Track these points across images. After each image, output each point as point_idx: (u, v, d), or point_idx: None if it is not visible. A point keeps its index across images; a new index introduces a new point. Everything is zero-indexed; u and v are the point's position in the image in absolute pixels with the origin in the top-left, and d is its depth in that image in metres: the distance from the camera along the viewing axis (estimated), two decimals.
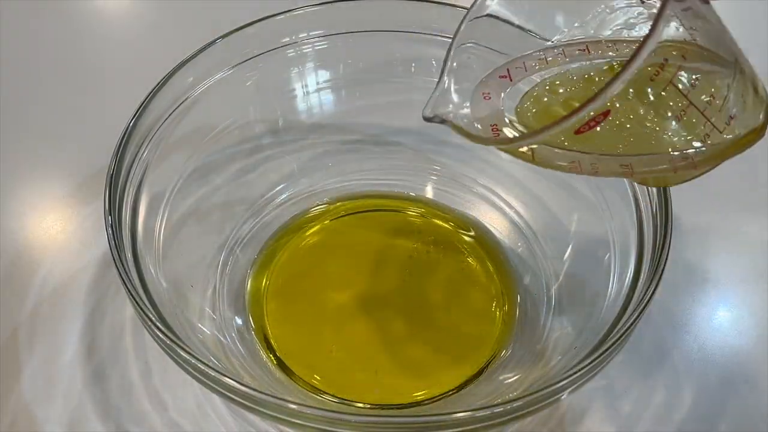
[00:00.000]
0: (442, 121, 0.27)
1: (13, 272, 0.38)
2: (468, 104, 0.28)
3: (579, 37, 0.28)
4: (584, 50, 0.28)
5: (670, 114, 0.24)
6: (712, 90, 0.23)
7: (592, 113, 0.21)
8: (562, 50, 0.28)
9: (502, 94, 0.28)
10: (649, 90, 0.24)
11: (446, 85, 0.29)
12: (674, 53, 0.24)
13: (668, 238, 0.28)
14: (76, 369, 0.35)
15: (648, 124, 0.24)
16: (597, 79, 0.27)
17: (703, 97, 0.23)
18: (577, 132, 0.22)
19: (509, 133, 0.27)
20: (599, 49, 0.27)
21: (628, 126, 0.24)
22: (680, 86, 0.24)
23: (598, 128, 0.23)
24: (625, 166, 0.24)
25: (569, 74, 0.28)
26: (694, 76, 0.24)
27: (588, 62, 0.28)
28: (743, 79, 0.23)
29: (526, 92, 0.28)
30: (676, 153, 0.24)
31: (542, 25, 0.30)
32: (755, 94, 0.24)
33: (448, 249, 0.39)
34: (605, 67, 0.28)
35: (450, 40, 0.29)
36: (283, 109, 0.40)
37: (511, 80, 0.28)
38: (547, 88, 0.28)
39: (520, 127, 0.27)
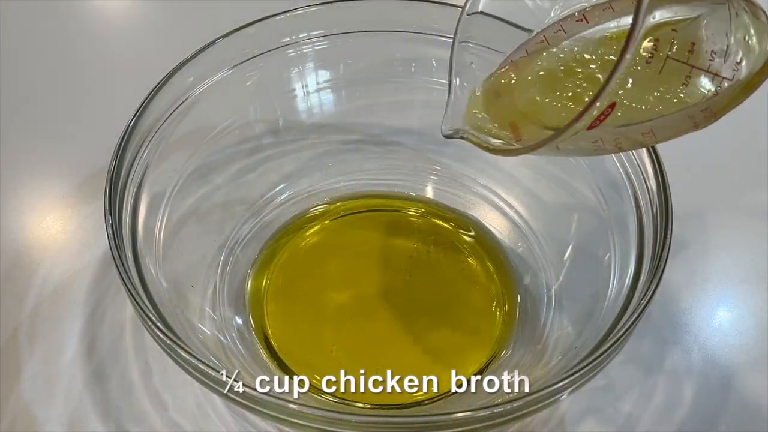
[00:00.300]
0: (463, 137, 0.27)
1: (13, 272, 0.38)
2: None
3: (574, 7, 0.28)
4: (582, 20, 0.27)
5: (676, 82, 0.24)
6: (713, 45, 0.23)
7: (596, 112, 0.21)
8: (560, 26, 0.28)
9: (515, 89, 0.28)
10: (650, 70, 0.24)
11: (457, 97, 0.28)
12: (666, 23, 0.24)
13: (668, 239, 0.28)
14: (76, 369, 0.35)
15: (658, 96, 0.24)
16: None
17: (704, 54, 0.23)
18: (590, 128, 0.22)
19: (528, 127, 0.27)
20: (596, 16, 0.27)
21: (639, 104, 0.24)
22: (678, 57, 0.24)
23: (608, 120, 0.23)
24: (646, 134, 0.24)
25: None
26: (689, 41, 0.24)
27: (589, 30, 0.27)
28: (739, 20, 0.23)
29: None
30: (694, 109, 0.24)
31: (534, 6, 0.29)
32: (757, 21, 0.23)
33: (448, 249, 0.39)
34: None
35: (450, 44, 0.29)
36: (283, 109, 0.40)
37: (518, 71, 0.28)
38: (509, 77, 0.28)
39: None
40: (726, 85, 0.23)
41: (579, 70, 0.27)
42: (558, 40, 0.28)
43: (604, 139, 0.24)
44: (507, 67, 0.28)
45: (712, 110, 0.24)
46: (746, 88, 0.24)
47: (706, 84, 0.24)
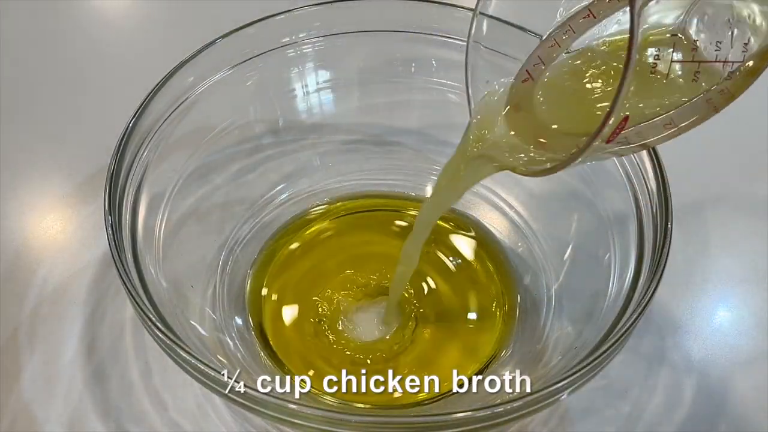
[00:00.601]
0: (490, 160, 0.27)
1: (13, 272, 0.38)
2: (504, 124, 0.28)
3: (578, 6, 0.28)
4: (588, 16, 0.27)
5: (687, 80, 0.24)
6: (716, 34, 0.23)
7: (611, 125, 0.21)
8: (569, 26, 0.27)
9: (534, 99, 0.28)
10: (657, 76, 0.24)
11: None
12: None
13: (668, 239, 0.28)
14: (76, 369, 0.35)
15: (672, 96, 0.24)
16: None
17: (710, 47, 0.23)
18: (608, 141, 0.22)
19: (554, 140, 0.26)
20: (602, 9, 0.27)
21: (654, 108, 0.24)
22: (683, 58, 0.23)
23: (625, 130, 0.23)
24: (668, 125, 0.24)
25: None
26: (691, 39, 0.24)
27: (596, 28, 0.27)
28: (740, 1, 0.23)
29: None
30: (710, 94, 0.23)
31: (540, 8, 0.29)
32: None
33: (448, 249, 0.39)
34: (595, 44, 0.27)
35: (450, 44, 0.29)
36: (283, 109, 0.40)
37: (534, 81, 0.28)
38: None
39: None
40: (737, 66, 0.23)
41: (594, 75, 0.27)
42: (569, 42, 0.28)
43: (628, 137, 0.24)
44: (523, 78, 0.28)
45: (729, 91, 0.24)
46: (759, 65, 0.24)
47: (717, 72, 0.23)
